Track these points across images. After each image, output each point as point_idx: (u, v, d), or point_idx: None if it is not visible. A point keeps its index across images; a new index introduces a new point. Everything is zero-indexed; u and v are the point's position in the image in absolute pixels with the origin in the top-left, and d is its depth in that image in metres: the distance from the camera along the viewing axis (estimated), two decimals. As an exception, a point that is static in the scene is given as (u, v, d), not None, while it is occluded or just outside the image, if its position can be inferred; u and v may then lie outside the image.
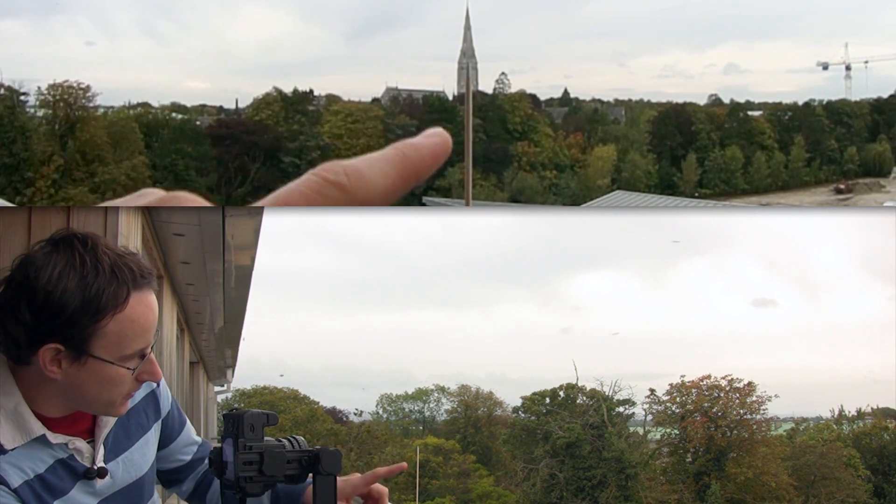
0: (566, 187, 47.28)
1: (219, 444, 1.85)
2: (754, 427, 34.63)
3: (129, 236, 3.96)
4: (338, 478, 1.88)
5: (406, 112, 49.81)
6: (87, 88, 47.90)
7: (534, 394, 36.74)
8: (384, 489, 2.01)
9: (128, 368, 1.71)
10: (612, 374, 41.86)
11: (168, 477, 2.08)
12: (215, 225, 6.67)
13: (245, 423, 1.79)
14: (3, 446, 1.70)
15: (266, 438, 1.82)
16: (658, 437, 36.27)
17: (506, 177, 48.51)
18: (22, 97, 47.25)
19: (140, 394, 1.91)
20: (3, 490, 1.69)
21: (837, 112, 55.05)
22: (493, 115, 52.05)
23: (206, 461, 2.06)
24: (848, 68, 56.17)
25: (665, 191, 46.15)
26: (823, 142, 53.78)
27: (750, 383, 35.21)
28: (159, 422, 1.98)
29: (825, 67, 56.51)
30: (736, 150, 51.40)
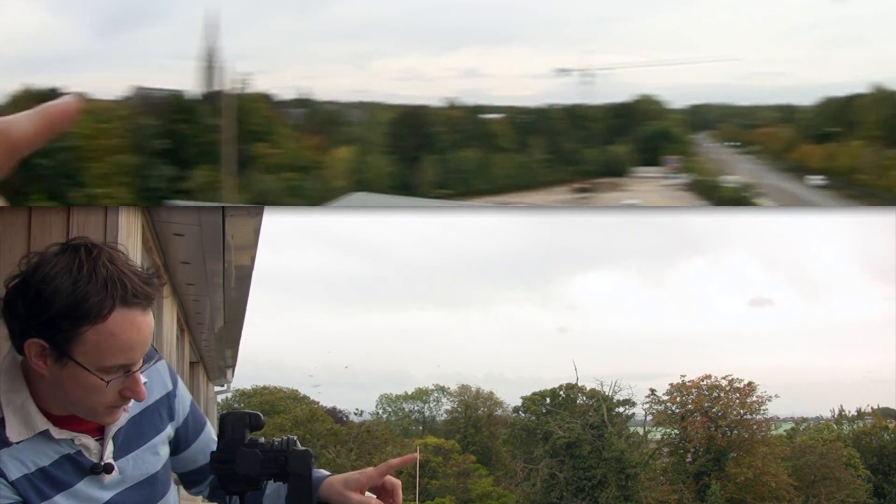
0: (307, 188, 47.54)
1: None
2: (754, 427, 34.62)
3: (129, 236, 3.97)
4: (352, 471, 1.90)
5: (152, 112, 49.28)
6: None
7: (534, 394, 36.76)
8: (397, 481, 2.03)
9: (104, 381, 1.73)
10: (612, 374, 41.85)
11: (188, 478, 2.11)
12: (215, 225, 6.67)
13: (227, 424, 1.81)
14: (9, 439, 1.75)
15: (256, 439, 1.83)
16: (658, 437, 36.27)
17: (247, 178, 48.44)
18: None
19: (155, 395, 1.95)
20: (0, 482, 1.74)
21: (577, 116, 56.39)
22: (235, 115, 52.07)
23: None
24: (588, 75, 57.24)
25: (404, 191, 46.88)
26: (562, 144, 54.88)
27: (750, 383, 35.23)
28: (175, 425, 2.00)
29: (565, 73, 57.36)
30: (474, 151, 52.25)
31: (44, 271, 1.70)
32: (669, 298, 50.08)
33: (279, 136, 51.68)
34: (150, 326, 1.78)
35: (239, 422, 1.81)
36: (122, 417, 1.87)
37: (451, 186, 50.85)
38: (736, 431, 34.64)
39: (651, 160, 53.27)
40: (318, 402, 39.17)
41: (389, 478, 2.02)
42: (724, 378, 35.43)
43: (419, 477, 34.13)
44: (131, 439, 1.90)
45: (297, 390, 39.40)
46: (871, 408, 36.19)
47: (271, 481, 2.02)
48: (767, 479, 33.14)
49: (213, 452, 1.83)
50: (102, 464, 1.84)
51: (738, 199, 46.78)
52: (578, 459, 34.11)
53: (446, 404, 40.81)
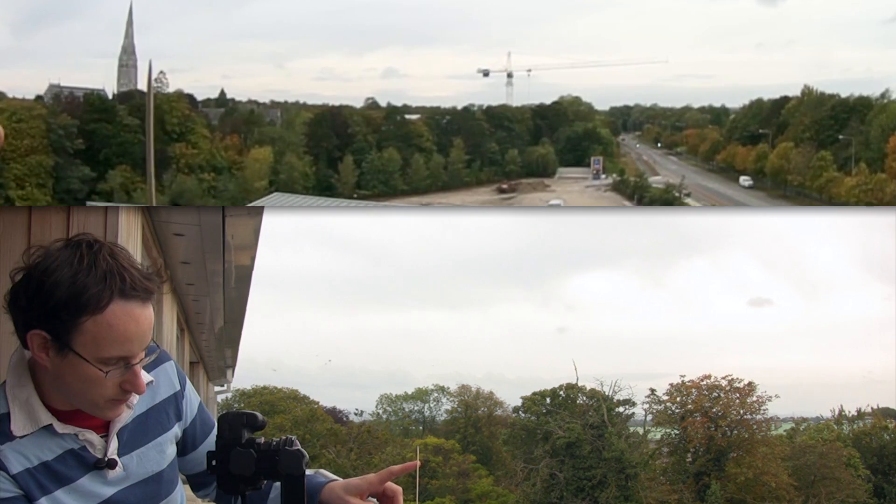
0: (224, 189, 47.33)
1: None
2: (754, 427, 34.61)
3: (129, 236, 3.97)
4: (353, 477, 1.91)
5: (68, 111, 48.71)
6: None
7: (534, 394, 36.75)
8: (398, 488, 2.04)
9: (103, 371, 1.74)
10: (611, 374, 41.85)
11: (195, 480, 2.13)
12: (215, 225, 6.68)
13: (224, 424, 1.81)
14: (13, 433, 1.78)
15: (253, 439, 1.83)
16: (658, 437, 36.26)
17: (165, 179, 48.07)
18: None
19: (162, 394, 1.96)
20: (1, 476, 1.77)
21: (498, 116, 56.70)
22: (154, 115, 51.65)
23: None
24: (510, 76, 57.46)
25: (323, 192, 46.87)
26: (484, 144, 55.24)
27: (750, 383, 35.22)
28: (182, 426, 2.01)
29: (486, 74, 57.64)
30: (393, 152, 52.18)
31: (46, 264, 1.73)
32: (669, 298, 50.04)
33: (197, 137, 51.40)
34: (150, 320, 1.80)
35: (236, 422, 1.82)
36: (127, 415, 1.89)
37: (371, 187, 51.03)
38: (736, 431, 34.64)
39: (576, 161, 53.73)
40: (318, 402, 39.19)
41: (390, 484, 2.03)
42: (724, 378, 35.45)
43: (419, 477, 34.13)
44: (136, 437, 1.91)
45: (296, 390, 39.41)
46: (871, 408, 36.21)
47: (276, 483, 2.04)
48: (767, 479, 33.14)
49: (209, 452, 1.83)
50: (106, 459, 1.85)
51: (665, 199, 47.08)
52: (578, 459, 34.11)
53: (446, 404, 40.84)
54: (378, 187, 50.85)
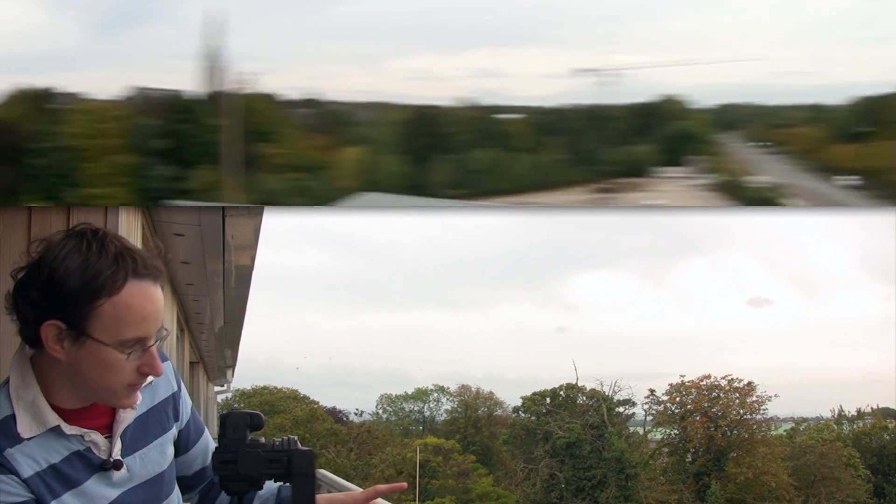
0: (312, 189, 47.54)
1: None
2: (754, 427, 34.61)
3: (129, 236, 3.97)
4: (339, 493, 1.90)
5: (151, 112, 49.24)
6: None
7: (534, 394, 36.75)
8: None
9: (125, 353, 1.73)
10: (611, 374, 41.87)
11: (182, 483, 2.11)
12: (215, 225, 6.68)
13: (228, 424, 1.80)
14: (20, 435, 1.75)
15: (257, 439, 1.83)
16: (658, 437, 36.27)
17: (252, 179, 48.44)
18: None
19: (161, 395, 1.95)
20: (13, 480, 1.73)
21: (596, 116, 55.74)
22: (240, 115, 51.88)
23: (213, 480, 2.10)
24: (607, 74, 56.87)
25: (415, 192, 46.88)
26: (581, 144, 54.60)
27: (750, 383, 35.22)
28: (178, 427, 2.01)
29: (583, 73, 57.12)
30: (489, 152, 52.24)
31: (53, 254, 1.73)
32: (669, 298, 50.11)
33: (285, 137, 51.57)
34: (161, 300, 1.81)
35: (241, 422, 1.82)
36: (130, 415, 1.88)
37: (464, 186, 50.55)
38: (736, 431, 34.63)
39: (674, 160, 52.98)
40: (318, 402, 39.20)
41: (376, 501, 2.04)
42: (723, 378, 35.44)
43: (419, 477, 34.13)
44: (138, 437, 1.91)
45: (297, 390, 39.41)
46: (871, 408, 36.21)
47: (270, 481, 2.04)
48: (767, 479, 33.13)
49: (215, 453, 1.82)
50: (112, 460, 1.84)
51: (765, 199, 46.48)
52: (578, 459, 34.10)
53: (446, 404, 40.82)
54: (471, 187, 50.67)
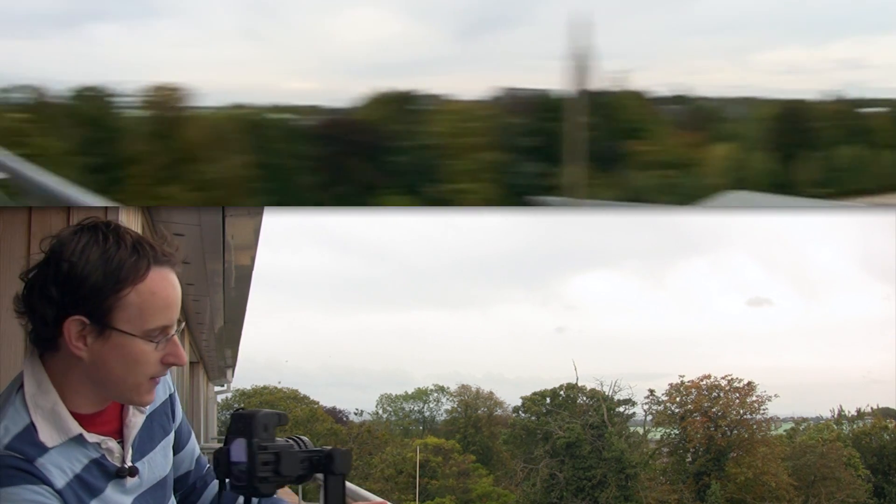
0: (681, 186, 47.10)
1: (221, 445, 1.84)
2: (754, 427, 34.63)
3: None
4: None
5: (518, 111, 49.64)
6: (186, 89, 47.85)
7: (534, 394, 36.77)
8: None
9: (152, 342, 1.72)
10: (611, 374, 41.90)
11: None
12: (215, 225, 6.68)
13: (258, 423, 1.78)
14: (45, 444, 1.71)
15: (286, 440, 1.83)
16: (658, 437, 36.28)
17: (620, 175, 48.48)
18: (116, 98, 47.90)
19: (161, 397, 1.93)
20: (47, 491, 1.68)
21: None
22: (608, 113, 51.72)
23: (201, 474, 2.07)
24: None
25: (782, 190, 46.14)
26: None
27: (750, 383, 35.24)
28: (174, 428, 2.00)
29: None
30: (854, 148, 51.01)
31: (71, 248, 1.70)
32: (669, 298, 50.14)
33: (655, 133, 51.22)
34: (179, 286, 1.79)
35: (271, 422, 1.80)
36: (140, 420, 1.86)
37: (829, 185, 49.75)
38: (736, 431, 34.65)
39: None
40: (318, 402, 39.23)
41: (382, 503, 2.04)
42: (723, 378, 35.47)
43: (419, 477, 34.13)
44: (145, 442, 1.89)
45: (297, 390, 39.47)
46: (871, 408, 36.24)
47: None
48: (767, 479, 33.14)
49: (260, 453, 1.78)
50: (127, 467, 1.82)
51: None
52: (578, 459, 34.11)
53: (446, 404, 40.84)
54: (835, 186, 49.92)
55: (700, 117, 53.34)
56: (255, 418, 1.78)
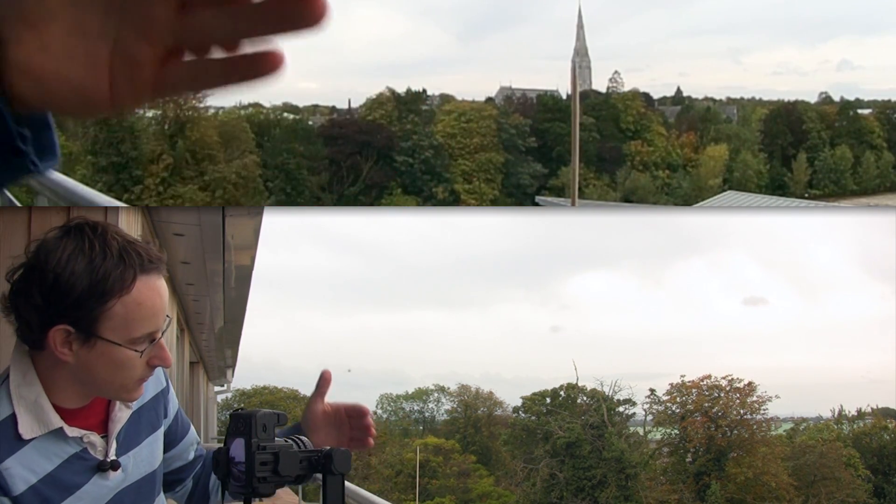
0: (678, 187, 46.70)
1: (220, 445, 1.84)
2: (754, 427, 34.64)
3: (130, 236, 3.96)
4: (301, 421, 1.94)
5: (520, 111, 49.33)
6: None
7: (534, 394, 36.78)
8: (362, 406, 2.11)
9: (136, 351, 1.72)
10: (611, 374, 41.90)
11: (171, 478, 2.08)
12: (215, 225, 6.68)
13: (257, 422, 1.78)
14: (22, 436, 1.71)
15: (284, 439, 1.83)
16: (658, 437, 36.29)
17: (618, 176, 48.06)
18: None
19: (150, 392, 1.93)
20: (3, 500, 1.69)
21: None
22: (607, 114, 51.26)
23: (204, 462, 2.07)
24: None
25: (775, 191, 45.76)
26: None
27: (750, 383, 35.26)
28: (167, 424, 1.99)
29: None
30: (846, 149, 50.27)
31: (56, 256, 1.67)
32: (668, 298, 50.06)
33: (653, 134, 50.94)
34: (167, 290, 1.78)
35: (270, 421, 1.80)
36: (126, 414, 1.86)
37: (821, 186, 49.30)
38: (736, 431, 34.66)
39: None
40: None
41: (355, 404, 2.10)
42: (723, 378, 35.48)
43: (419, 477, 34.13)
44: (131, 436, 1.87)
45: (296, 390, 39.42)
46: (871, 408, 36.23)
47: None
48: (767, 479, 33.15)
49: (259, 453, 1.79)
50: (109, 461, 1.82)
51: None
52: (578, 459, 34.11)
53: (446, 404, 40.83)
54: (829, 187, 49.31)
55: (696, 118, 53.35)
56: (253, 418, 1.78)
